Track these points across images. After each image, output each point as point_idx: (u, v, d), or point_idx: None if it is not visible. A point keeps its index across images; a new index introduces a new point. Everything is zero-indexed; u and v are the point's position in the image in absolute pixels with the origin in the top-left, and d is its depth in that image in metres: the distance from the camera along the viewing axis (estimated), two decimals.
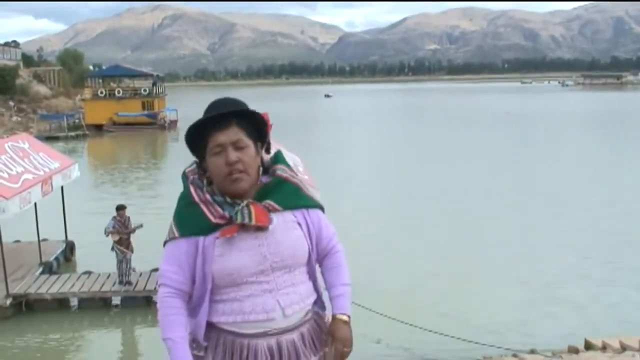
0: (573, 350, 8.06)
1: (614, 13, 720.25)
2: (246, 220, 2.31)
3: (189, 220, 2.37)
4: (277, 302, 2.35)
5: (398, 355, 8.78)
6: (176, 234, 2.37)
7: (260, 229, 2.34)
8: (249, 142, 2.34)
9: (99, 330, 10.40)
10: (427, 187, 21.55)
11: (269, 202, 2.38)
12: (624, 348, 7.69)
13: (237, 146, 2.31)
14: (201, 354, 2.42)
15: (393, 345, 8.94)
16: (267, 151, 2.52)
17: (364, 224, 15.61)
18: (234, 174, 2.31)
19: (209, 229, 2.34)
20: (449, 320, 9.69)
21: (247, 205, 2.33)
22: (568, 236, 15.00)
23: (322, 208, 2.55)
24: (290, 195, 2.44)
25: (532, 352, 8.32)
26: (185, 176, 2.44)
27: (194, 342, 2.43)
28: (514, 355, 8.22)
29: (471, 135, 40.38)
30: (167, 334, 2.32)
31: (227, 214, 2.33)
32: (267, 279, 2.36)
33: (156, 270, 11.52)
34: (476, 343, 8.60)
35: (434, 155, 30.99)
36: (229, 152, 2.30)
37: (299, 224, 2.43)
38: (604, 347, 7.90)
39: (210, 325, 2.40)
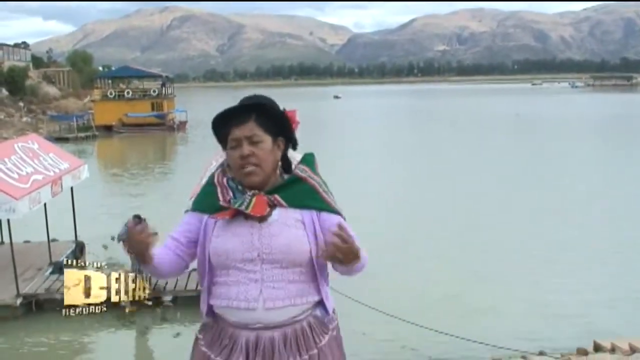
0: (582, 352, 8.04)
1: (624, 14, 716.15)
2: (242, 208, 2.38)
3: (202, 198, 2.56)
4: (261, 293, 2.38)
5: (405, 355, 8.77)
6: (189, 208, 2.61)
7: (259, 219, 2.40)
8: (265, 137, 2.41)
9: (108, 330, 10.43)
10: (439, 191, 21.53)
11: (276, 196, 2.43)
12: (633, 350, 7.65)
13: (252, 141, 2.39)
14: (200, 335, 2.58)
15: (400, 345, 8.93)
16: (294, 148, 2.58)
17: (371, 225, 15.57)
18: (247, 167, 2.39)
19: (214, 209, 2.46)
20: (457, 321, 9.66)
21: (253, 196, 2.40)
22: (577, 239, 14.94)
23: (339, 214, 2.50)
24: (301, 194, 2.45)
25: (541, 354, 8.30)
26: (222, 163, 2.60)
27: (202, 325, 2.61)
28: (523, 357, 8.19)
29: (483, 139, 40.15)
30: None
31: (231, 199, 2.44)
32: (255, 268, 2.39)
33: None
34: (484, 344, 8.59)
35: (446, 159, 30.93)
36: (243, 146, 2.38)
37: (303, 223, 2.43)
38: (613, 349, 7.87)
39: (211, 309, 2.52)
